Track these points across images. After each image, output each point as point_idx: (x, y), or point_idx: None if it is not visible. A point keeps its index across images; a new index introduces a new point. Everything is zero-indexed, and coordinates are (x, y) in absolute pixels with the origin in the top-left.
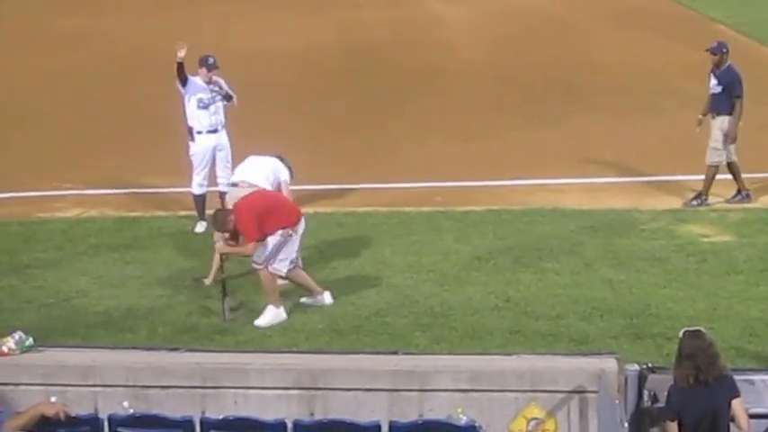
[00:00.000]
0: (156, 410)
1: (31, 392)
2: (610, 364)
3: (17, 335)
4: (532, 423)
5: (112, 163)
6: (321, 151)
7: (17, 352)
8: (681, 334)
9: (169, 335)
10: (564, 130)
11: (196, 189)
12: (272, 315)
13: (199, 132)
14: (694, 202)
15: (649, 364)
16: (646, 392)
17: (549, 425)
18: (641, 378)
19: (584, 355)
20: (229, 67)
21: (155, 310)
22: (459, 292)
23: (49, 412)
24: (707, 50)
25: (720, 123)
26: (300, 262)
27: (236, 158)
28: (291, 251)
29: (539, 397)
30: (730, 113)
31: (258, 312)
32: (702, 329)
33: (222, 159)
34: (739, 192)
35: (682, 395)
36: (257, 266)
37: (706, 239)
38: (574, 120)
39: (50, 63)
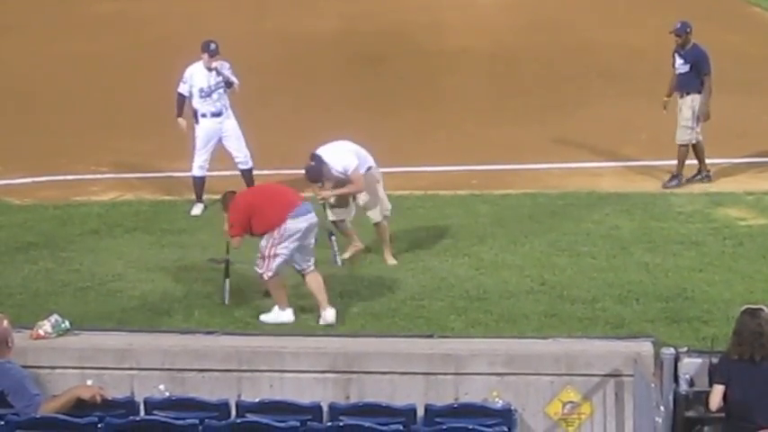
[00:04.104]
0: (192, 394)
1: (68, 376)
2: (646, 347)
3: (53, 318)
4: (568, 406)
5: (148, 147)
6: (357, 135)
7: (53, 335)
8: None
9: (205, 318)
10: (599, 113)
11: (196, 171)
12: (273, 315)
13: (203, 116)
14: (673, 182)
15: (685, 348)
16: (681, 376)
17: (585, 408)
18: (677, 362)
19: (620, 338)
20: (265, 50)
21: (191, 294)
22: (495, 275)
23: (86, 395)
24: (671, 32)
25: (690, 102)
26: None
27: (276, 142)
28: (288, 251)
29: (574, 380)
30: (699, 92)
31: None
32: (763, 309)
33: (234, 141)
34: (699, 172)
35: (729, 366)
36: (258, 272)
37: (743, 223)
38: (609, 103)
39: (84, 48)
